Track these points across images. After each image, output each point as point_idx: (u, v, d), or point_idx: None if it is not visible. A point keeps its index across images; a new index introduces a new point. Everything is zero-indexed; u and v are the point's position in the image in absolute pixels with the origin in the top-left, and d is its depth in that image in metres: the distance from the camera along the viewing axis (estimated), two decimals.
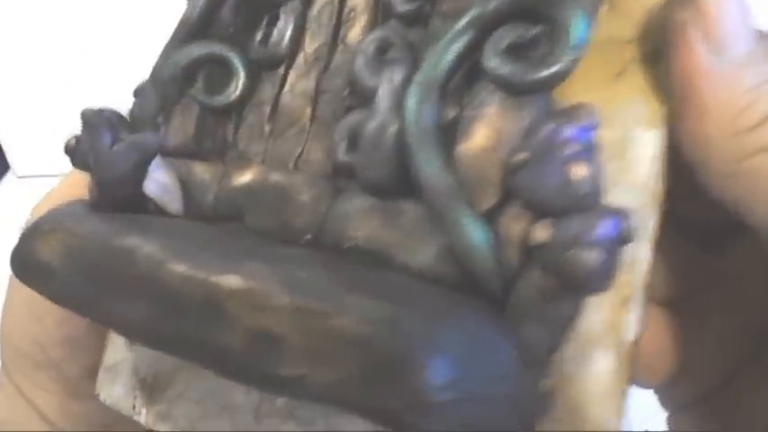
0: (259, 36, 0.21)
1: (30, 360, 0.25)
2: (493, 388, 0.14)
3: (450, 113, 0.17)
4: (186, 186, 0.20)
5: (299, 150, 0.20)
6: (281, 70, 0.20)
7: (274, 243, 0.18)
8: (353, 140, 0.18)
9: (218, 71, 0.21)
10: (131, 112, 0.21)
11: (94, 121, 0.19)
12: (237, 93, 0.20)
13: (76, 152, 0.21)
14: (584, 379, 0.16)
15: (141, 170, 0.19)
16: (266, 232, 0.19)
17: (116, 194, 0.19)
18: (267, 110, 0.20)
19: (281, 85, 0.20)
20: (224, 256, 0.16)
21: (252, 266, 0.15)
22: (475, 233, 0.16)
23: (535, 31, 0.16)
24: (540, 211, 0.15)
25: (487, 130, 0.16)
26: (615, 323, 0.16)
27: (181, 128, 0.21)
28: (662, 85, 0.17)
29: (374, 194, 0.17)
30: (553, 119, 0.15)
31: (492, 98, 0.16)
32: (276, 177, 0.19)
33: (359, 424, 0.18)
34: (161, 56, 0.21)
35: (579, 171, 0.15)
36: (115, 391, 0.22)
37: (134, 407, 0.22)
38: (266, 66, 0.21)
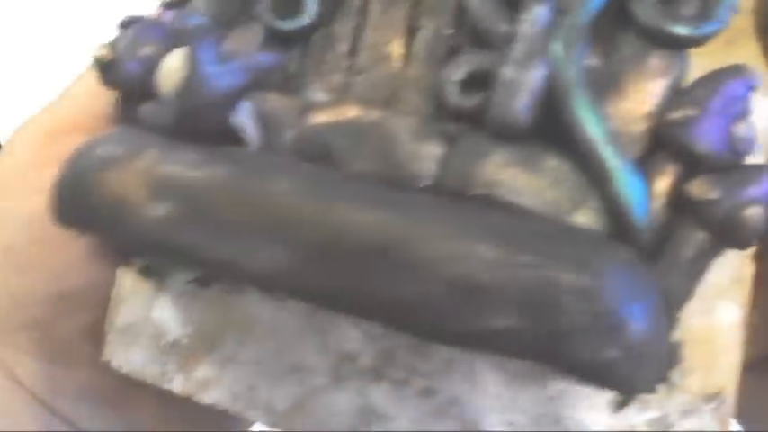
0: None
1: (7, 320, 0.21)
2: (662, 338, 0.15)
3: (593, 61, 0.16)
4: (261, 119, 0.17)
5: (389, 90, 0.18)
6: (358, 2, 0.18)
7: (397, 187, 0.16)
8: (472, 83, 0.17)
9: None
10: (171, 25, 0.18)
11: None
12: (311, 17, 0.18)
13: (116, 67, 0.17)
14: (711, 331, 0.17)
15: (239, 97, 0.16)
16: (369, 176, 0.17)
17: (199, 125, 0.16)
18: (345, 44, 0.18)
19: (363, 17, 0.18)
20: (382, 200, 0.14)
21: (428, 212, 0.14)
22: (634, 185, 0.15)
23: None
24: (695, 167, 0.15)
25: (637, 84, 0.16)
26: (741, 276, 0.17)
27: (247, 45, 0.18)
28: None
29: (505, 141, 0.16)
30: (723, 76, 0.15)
31: (640, 52, 0.16)
32: (376, 117, 0.17)
33: (456, 379, 0.18)
34: None
35: (743, 129, 0.15)
36: (134, 356, 0.19)
37: (163, 374, 0.19)
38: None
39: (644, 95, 0.16)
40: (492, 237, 0.13)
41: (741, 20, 0.18)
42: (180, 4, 0.18)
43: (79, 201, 0.15)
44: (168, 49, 0.17)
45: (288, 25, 0.18)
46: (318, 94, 0.18)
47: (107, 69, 0.17)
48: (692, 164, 0.15)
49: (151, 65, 0.17)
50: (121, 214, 0.15)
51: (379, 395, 0.18)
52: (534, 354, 0.13)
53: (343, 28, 0.18)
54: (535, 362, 0.14)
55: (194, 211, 0.14)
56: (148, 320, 0.19)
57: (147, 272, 0.19)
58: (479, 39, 0.17)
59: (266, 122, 0.17)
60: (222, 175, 0.15)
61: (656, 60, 0.16)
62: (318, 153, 0.17)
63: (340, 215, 0.14)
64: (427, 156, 0.16)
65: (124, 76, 0.17)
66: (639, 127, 0.16)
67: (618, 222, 0.15)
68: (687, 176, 0.16)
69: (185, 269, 0.18)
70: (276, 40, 0.18)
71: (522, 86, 0.16)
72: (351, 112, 0.17)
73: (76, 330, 0.21)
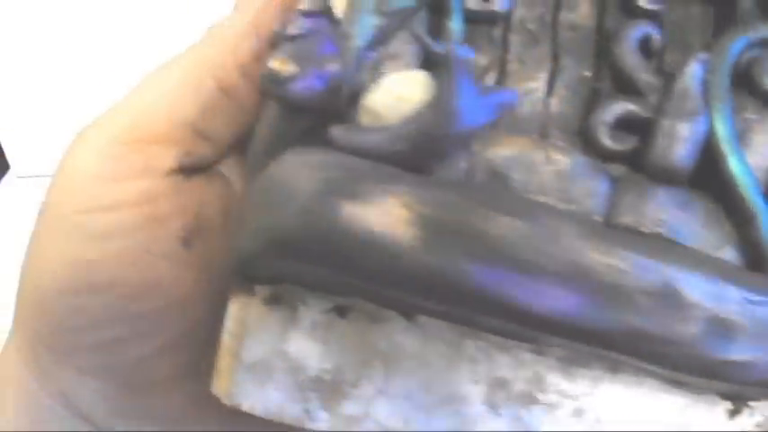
0: None
1: (73, 340, 0.19)
2: None
3: None
4: None
5: (536, 126, 0.19)
6: (499, 33, 0.19)
7: (624, 229, 0.17)
8: (621, 127, 0.18)
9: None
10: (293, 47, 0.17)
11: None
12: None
13: (293, 82, 0.16)
14: None
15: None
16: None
17: (428, 156, 0.16)
18: (492, 75, 0.19)
19: (505, 50, 0.19)
20: (642, 244, 0.16)
21: (676, 255, 0.16)
22: None
23: None
24: None
25: (763, 139, 0.18)
26: None
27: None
28: None
29: (663, 183, 0.18)
30: None
31: (764, 112, 0.19)
32: (546, 152, 0.18)
33: (599, 397, 0.18)
34: None
35: None
36: (270, 395, 0.18)
37: (306, 412, 0.18)
38: (479, 27, 0.19)
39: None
40: (730, 277, 0.15)
41: None
42: (324, 12, 0.18)
43: (319, 235, 0.15)
44: (351, 66, 0.16)
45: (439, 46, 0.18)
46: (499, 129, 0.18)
47: (281, 83, 0.16)
48: None
49: (335, 82, 0.16)
50: (384, 251, 0.14)
51: (534, 419, 0.18)
52: (756, 381, 0.15)
53: (486, 60, 0.19)
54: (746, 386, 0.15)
55: (472, 249, 0.15)
56: (283, 355, 0.18)
57: (276, 301, 0.18)
58: (622, 84, 0.19)
59: None
60: (502, 217, 0.15)
61: None
62: (495, 184, 0.18)
63: (620, 259, 0.15)
64: (599, 193, 0.18)
65: (303, 93, 0.16)
66: (764, 177, 0.18)
67: (757, 261, 0.18)
68: None
69: (442, 306, 0.17)
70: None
71: (684, 138, 0.18)
72: (517, 145, 0.18)
73: (151, 353, 0.20)
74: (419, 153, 0.16)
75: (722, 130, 0.18)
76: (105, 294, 0.19)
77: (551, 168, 0.18)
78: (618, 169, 0.18)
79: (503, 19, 0.19)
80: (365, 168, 0.15)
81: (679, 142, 0.17)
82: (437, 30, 0.18)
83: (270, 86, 0.17)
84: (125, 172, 0.20)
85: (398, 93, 0.16)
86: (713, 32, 0.19)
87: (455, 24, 0.18)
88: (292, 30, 0.17)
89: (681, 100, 0.18)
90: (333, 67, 0.16)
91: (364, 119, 0.16)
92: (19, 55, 0.65)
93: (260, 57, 0.20)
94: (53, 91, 0.65)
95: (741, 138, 0.18)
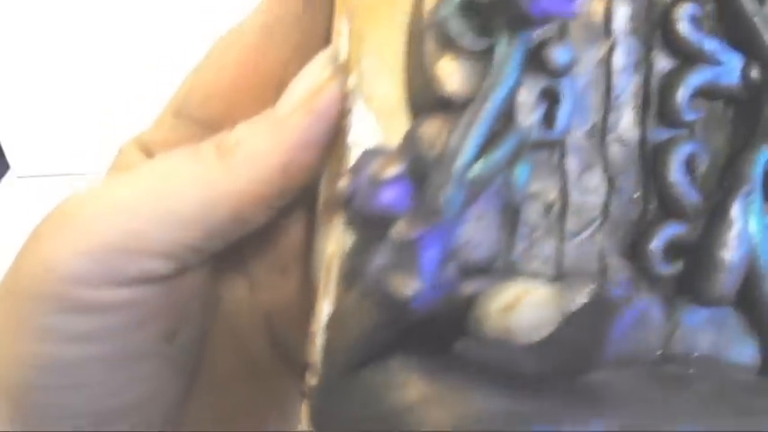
0: (539, 114, 0.18)
1: (47, 424, 0.20)
2: None
3: None
4: None
5: (597, 255, 0.19)
6: (556, 159, 0.18)
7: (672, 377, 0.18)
8: (671, 250, 0.18)
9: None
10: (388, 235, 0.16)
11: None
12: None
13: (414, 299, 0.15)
14: None
15: None
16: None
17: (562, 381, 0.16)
18: (556, 205, 0.18)
19: (563, 178, 0.19)
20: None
21: None
22: None
23: None
24: None
25: None
26: None
27: (483, 237, 0.17)
28: None
29: (707, 306, 0.18)
30: None
31: None
32: (625, 298, 0.18)
33: None
34: (464, 143, 0.16)
35: None
36: None
37: None
38: (539, 151, 0.18)
39: None
40: None
41: None
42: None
43: None
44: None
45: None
46: (533, 267, 0.18)
47: (401, 304, 0.15)
48: None
49: (455, 294, 0.16)
50: None
51: None
52: None
53: (547, 187, 0.18)
54: None
55: None
56: None
57: None
58: (670, 206, 0.19)
59: None
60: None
61: None
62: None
63: None
64: (659, 326, 0.18)
65: (424, 308, 0.15)
66: None
67: None
68: None
69: None
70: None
71: (729, 268, 0.18)
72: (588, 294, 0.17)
73: None
74: (564, 371, 0.16)
75: (764, 258, 0.18)
76: (82, 391, 0.19)
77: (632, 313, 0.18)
78: (666, 288, 0.19)
79: (559, 142, 0.19)
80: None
81: (724, 272, 0.18)
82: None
83: (386, 309, 0.15)
84: (115, 278, 0.19)
85: (533, 315, 0.15)
86: (738, 132, 0.19)
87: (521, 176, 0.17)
88: (398, 233, 0.16)
89: (726, 230, 0.18)
90: (469, 290, 0.16)
91: (490, 332, 0.15)
92: (19, 55, 0.65)
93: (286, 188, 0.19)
94: (53, 91, 0.65)
95: None
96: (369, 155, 0.16)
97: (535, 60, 0.17)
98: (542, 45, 0.17)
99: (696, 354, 0.18)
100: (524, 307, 0.15)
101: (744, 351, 0.18)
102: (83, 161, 0.62)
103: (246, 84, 0.21)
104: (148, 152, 0.22)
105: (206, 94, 0.21)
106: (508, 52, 0.16)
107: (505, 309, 0.16)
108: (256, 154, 0.18)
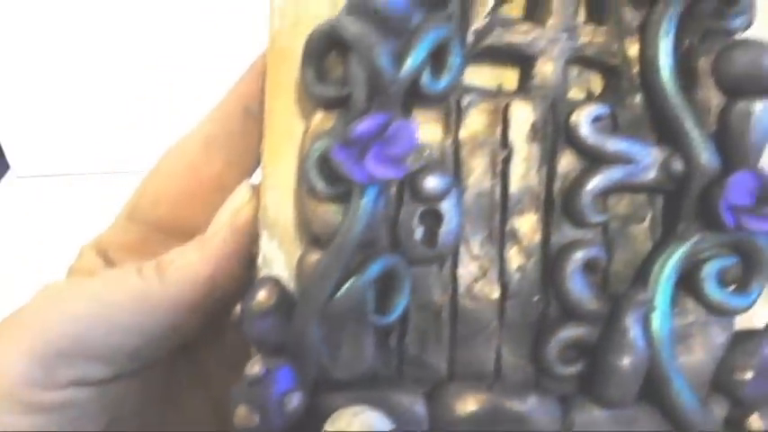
0: (419, 235, 0.18)
1: None
2: None
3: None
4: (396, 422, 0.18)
5: (493, 357, 0.19)
6: (448, 270, 0.19)
7: None
8: (570, 353, 0.19)
9: (383, 283, 0.19)
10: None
11: None
12: (406, 301, 0.19)
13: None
14: None
15: None
16: None
17: None
18: (444, 315, 0.19)
19: (454, 288, 0.19)
20: None
21: None
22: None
23: (735, 260, 0.19)
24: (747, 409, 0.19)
25: (702, 346, 0.19)
26: None
27: (357, 356, 0.19)
28: None
29: (608, 407, 0.19)
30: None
31: (702, 319, 0.19)
32: (506, 403, 0.19)
33: None
34: (320, 281, 0.18)
35: None
36: None
37: None
38: (428, 266, 0.19)
39: (706, 352, 0.19)
40: None
41: None
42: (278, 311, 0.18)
43: None
44: None
45: (389, 318, 0.19)
46: (458, 385, 0.19)
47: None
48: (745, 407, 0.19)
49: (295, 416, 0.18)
50: None
51: None
52: None
53: (435, 298, 0.19)
54: None
55: None
56: None
57: None
58: (569, 309, 0.19)
59: (400, 423, 0.18)
60: None
61: (715, 327, 0.19)
62: None
63: None
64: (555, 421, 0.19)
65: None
66: (704, 378, 0.19)
67: None
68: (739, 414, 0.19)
69: None
70: (383, 331, 0.19)
71: (624, 373, 0.18)
72: (484, 402, 0.19)
73: None
74: None
75: (664, 357, 0.18)
76: None
77: (509, 419, 0.18)
78: (568, 387, 0.19)
79: (451, 254, 0.19)
80: None
81: (619, 377, 0.18)
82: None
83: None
84: (57, 381, 0.20)
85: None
86: (661, 234, 0.19)
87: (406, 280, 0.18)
88: (251, 370, 0.18)
89: (621, 337, 0.18)
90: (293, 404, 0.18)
91: None
92: (19, 55, 0.64)
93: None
94: (53, 91, 0.64)
95: (682, 341, 0.19)
96: (259, 283, 0.18)
97: (412, 187, 0.18)
98: (419, 172, 0.18)
99: None
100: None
101: None
102: (83, 161, 0.62)
103: (190, 189, 0.23)
104: (105, 255, 0.24)
105: (155, 198, 0.24)
106: (358, 198, 0.17)
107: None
108: (187, 267, 0.21)
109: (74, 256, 0.24)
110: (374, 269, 0.18)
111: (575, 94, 0.20)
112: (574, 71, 0.20)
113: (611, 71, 0.20)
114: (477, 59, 0.19)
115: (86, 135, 0.64)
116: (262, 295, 0.18)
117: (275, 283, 0.18)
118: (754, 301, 0.19)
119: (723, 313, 0.19)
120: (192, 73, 0.60)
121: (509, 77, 0.20)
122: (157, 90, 0.63)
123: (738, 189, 0.18)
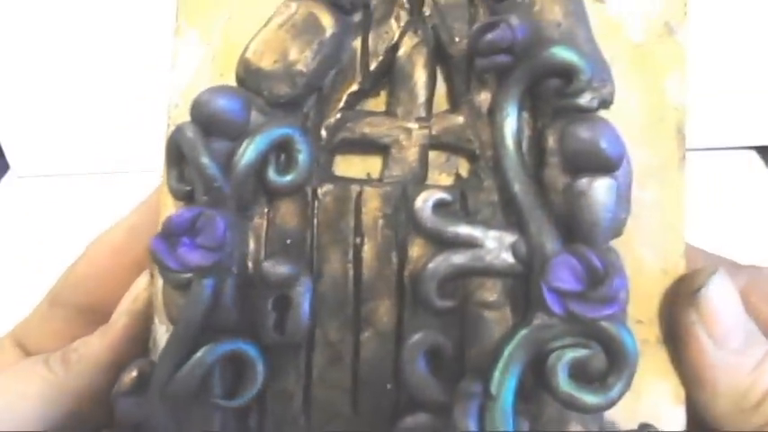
0: (271, 321, 0.19)
1: None
2: None
3: (524, 425, 0.18)
4: None
5: None
6: (303, 356, 0.20)
7: None
8: None
9: (232, 368, 0.19)
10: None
11: None
12: (259, 387, 0.19)
13: None
14: None
15: None
16: None
17: None
18: (298, 401, 0.20)
19: (308, 374, 0.20)
20: None
21: None
22: None
23: (593, 352, 0.18)
24: None
25: None
26: None
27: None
28: (676, 369, 0.20)
29: None
30: None
31: (561, 414, 0.19)
32: None
33: None
34: (163, 363, 0.19)
35: None
36: None
37: None
38: (283, 351, 0.20)
39: None
40: None
41: (641, 330, 0.20)
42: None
43: None
44: None
45: (240, 401, 0.19)
46: None
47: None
48: None
49: None
50: None
51: None
52: None
53: (290, 385, 0.20)
54: None
55: None
56: None
57: None
58: (416, 398, 0.19)
59: None
60: None
61: (574, 422, 0.19)
62: None
63: None
64: None
65: None
66: None
67: None
68: None
69: None
70: (233, 415, 0.20)
71: None
72: None
73: None
74: None
75: None
76: None
77: None
78: None
79: (305, 340, 0.20)
80: None
81: None
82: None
83: None
84: None
85: None
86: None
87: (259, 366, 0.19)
88: None
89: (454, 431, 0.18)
90: None
91: None
92: (19, 55, 0.65)
93: None
94: (53, 91, 0.65)
95: None
96: (129, 365, 0.20)
97: (261, 275, 0.19)
98: (269, 259, 0.19)
99: None
100: None
101: None
102: (83, 161, 0.63)
103: (113, 273, 0.24)
104: (22, 346, 0.25)
105: (78, 281, 0.25)
106: (196, 285, 0.19)
107: None
108: (90, 355, 0.22)
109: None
110: (214, 353, 0.19)
111: (443, 179, 0.20)
112: (442, 157, 0.20)
113: (472, 155, 0.20)
114: (344, 151, 0.20)
115: (86, 135, 0.64)
116: (126, 376, 0.19)
117: (146, 364, 0.20)
118: (614, 399, 0.18)
119: (578, 410, 0.18)
120: None
121: (378, 167, 0.21)
122: (157, 90, 0.63)
123: (560, 273, 0.17)
